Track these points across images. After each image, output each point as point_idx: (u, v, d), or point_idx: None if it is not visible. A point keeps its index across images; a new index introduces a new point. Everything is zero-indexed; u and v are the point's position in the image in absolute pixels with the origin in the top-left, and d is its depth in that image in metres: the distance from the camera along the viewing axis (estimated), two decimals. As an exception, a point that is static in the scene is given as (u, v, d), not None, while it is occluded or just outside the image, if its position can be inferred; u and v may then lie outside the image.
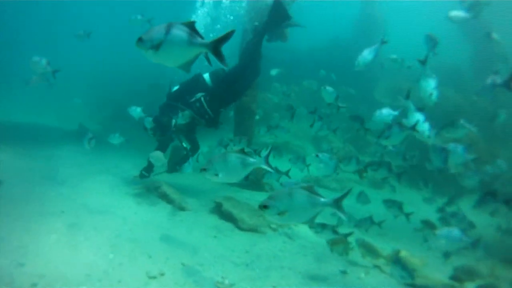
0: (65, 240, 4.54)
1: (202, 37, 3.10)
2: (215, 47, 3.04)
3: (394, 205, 6.19)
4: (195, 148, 8.35)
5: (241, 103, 8.60)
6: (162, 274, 4.09)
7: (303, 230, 6.35)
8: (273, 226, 6.16)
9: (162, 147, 7.93)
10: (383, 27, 16.65)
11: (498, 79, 5.32)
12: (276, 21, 8.18)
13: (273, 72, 9.97)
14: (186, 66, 3.19)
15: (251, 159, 3.61)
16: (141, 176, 7.74)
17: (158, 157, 6.83)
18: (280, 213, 3.16)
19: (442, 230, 4.84)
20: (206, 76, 8.06)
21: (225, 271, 4.46)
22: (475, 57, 14.37)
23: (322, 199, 3.26)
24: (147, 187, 7.09)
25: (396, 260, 4.55)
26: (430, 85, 5.60)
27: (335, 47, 15.32)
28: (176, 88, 8.13)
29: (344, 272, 4.99)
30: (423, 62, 5.60)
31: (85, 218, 5.35)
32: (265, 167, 3.66)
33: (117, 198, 6.60)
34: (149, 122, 7.46)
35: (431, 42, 5.96)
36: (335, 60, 13.31)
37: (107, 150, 9.44)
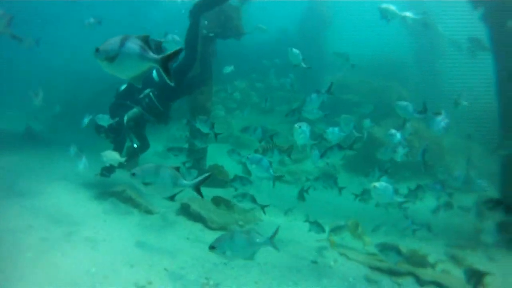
0: (42, 258, 4.57)
1: (154, 52, 3.22)
2: (164, 63, 3.18)
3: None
4: (144, 145, 8.47)
5: (196, 101, 8.78)
6: (150, 283, 4.27)
7: (268, 224, 6.76)
8: (241, 223, 6.50)
9: (118, 148, 7.95)
10: (329, 23, 17.53)
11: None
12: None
13: (227, 69, 10.18)
14: (137, 79, 3.32)
15: (258, 240, 3.95)
16: (102, 175, 7.69)
17: (112, 157, 6.83)
18: (225, 252, 3.83)
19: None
20: (154, 72, 8.19)
21: (207, 272, 4.72)
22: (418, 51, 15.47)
23: (258, 240, 3.92)
24: (110, 192, 7.09)
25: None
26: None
27: (281, 41, 15.80)
28: (124, 86, 8.19)
29: (314, 262, 5.44)
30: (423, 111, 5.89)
31: (55, 231, 5.34)
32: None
33: (82, 206, 6.55)
34: (104, 120, 7.38)
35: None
36: (282, 53, 13.81)
37: (57, 152, 9.27)
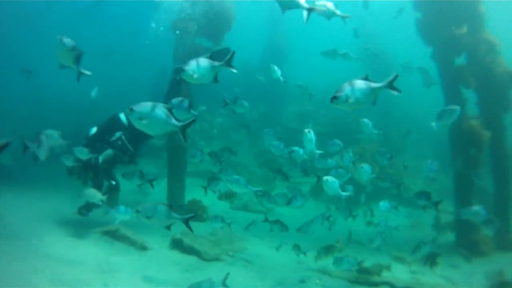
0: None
1: (176, 119, 4.16)
2: (183, 129, 4.15)
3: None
4: (116, 186, 9.06)
5: (173, 141, 9.52)
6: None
7: (253, 251, 7.56)
8: (230, 253, 7.28)
9: (97, 187, 8.50)
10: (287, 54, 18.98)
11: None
12: None
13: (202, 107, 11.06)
14: (161, 137, 4.44)
15: None
16: (80, 213, 8.19)
17: (93, 195, 7.17)
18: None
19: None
20: (122, 116, 8.98)
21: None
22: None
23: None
24: (102, 231, 7.64)
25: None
26: None
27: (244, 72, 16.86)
28: (94, 130, 8.88)
29: (302, 281, 6.29)
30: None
31: (62, 271, 5.89)
32: None
33: (79, 245, 7.09)
34: (84, 153, 7.86)
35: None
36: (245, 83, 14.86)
37: (32, 189, 9.84)
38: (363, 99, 3.53)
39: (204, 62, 4.40)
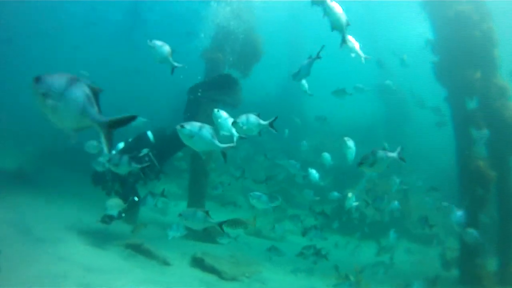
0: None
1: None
2: (224, 150, 4.64)
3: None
4: (138, 202, 9.61)
5: (196, 164, 10.20)
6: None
7: (267, 275, 8.14)
8: (247, 275, 7.87)
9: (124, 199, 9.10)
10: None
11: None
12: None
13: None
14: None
15: None
16: (103, 221, 8.66)
17: (115, 205, 7.66)
18: None
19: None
20: (150, 134, 9.66)
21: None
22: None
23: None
24: (127, 243, 8.26)
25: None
26: None
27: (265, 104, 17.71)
28: (121, 145, 9.53)
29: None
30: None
31: (90, 278, 6.43)
32: None
33: (103, 255, 7.70)
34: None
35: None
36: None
37: (53, 195, 10.47)
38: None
39: (253, 118, 5.00)
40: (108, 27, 26.27)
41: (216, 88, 10.81)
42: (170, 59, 6.05)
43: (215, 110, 6.17)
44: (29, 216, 8.87)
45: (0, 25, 24.79)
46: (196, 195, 10.26)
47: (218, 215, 9.18)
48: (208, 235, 9.77)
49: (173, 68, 6.16)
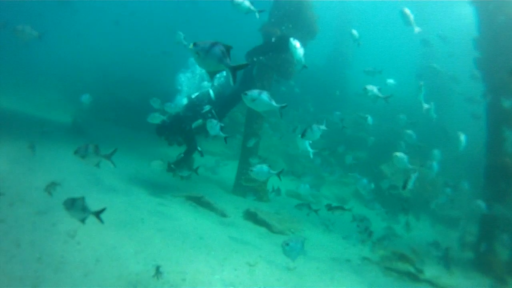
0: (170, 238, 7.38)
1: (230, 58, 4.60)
2: (234, 70, 4.87)
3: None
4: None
5: (250, 129, 11.73)
6: (255, 264, 7.12)
7: (308, 233, 9.73)
8: (292, 230, 9.46)
9: (190, 151, 10.59)
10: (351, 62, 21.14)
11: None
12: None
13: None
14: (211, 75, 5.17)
15: None
16: (169, 169, 10.12)
17: (157, 165, 9.45)
18: None
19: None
20: (211, 91, 11.12)
21: (284, 259, 7.59)
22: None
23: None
24: (186, 196, 9.88)
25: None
26: None
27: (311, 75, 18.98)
28: (185, 100, 10.88)
29: (348, 260, 8.42)
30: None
31: (164, 223, 7.94)
32: None
33: (168, 205, 9.15)
34: (170, 107, 10.16)
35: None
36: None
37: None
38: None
39: (265, 96, 5.69)
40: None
41: (272, 51, 12.08)
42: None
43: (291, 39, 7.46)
44: (92, 168, 10.14)
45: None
46: (247, 156, 11.74)
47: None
48: (255, 192, 11.44)
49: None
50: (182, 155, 10.34)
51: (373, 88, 8.16)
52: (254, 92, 5.70)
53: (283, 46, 11.39)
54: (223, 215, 9.46)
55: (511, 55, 11.07)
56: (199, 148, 10.61)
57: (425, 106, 9.72)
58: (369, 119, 11.12)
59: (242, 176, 11.55)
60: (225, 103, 11.47)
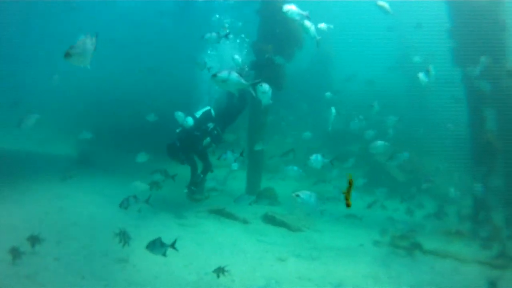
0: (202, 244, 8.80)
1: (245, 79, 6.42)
2: (252, 86, 6.56)
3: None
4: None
5: (254, 120, 13.20)
6: (286, 258, 8.58)
7: (321, 227, 11.21)
8: (307, 226, 10.94)
9: (207, 168, 11.98)
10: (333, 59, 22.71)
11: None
12: None
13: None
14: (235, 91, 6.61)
15: None
16: (190, 195, 11.74)
17: (138, 186, 9.74)
18: None
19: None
20: (212, 111, 12.54)
21: (308, 251, 9.06)
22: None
23: None
24: (209, 210, 11.29)
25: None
26: None
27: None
28: (191, 121, 11.74)
29: (361, 245, 9.92)
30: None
31: (200, 237, 9.43)
32: None
33: (197, 220, 10.65)
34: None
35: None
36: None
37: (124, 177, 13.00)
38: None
39: (234, 75, 6.22)
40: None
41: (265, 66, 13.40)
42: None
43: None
44: (111, 196, 10.90)
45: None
46: (255, 165, 13.22)
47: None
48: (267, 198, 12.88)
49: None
50: (202, 176, 11.61)
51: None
52: (224, 73, 6.15)
53: (274, 61, 12.90)
54: (246, 222, 10.89)
55: (481, 39, 12.59)
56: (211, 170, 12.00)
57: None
58: (376, 106, 11.80)
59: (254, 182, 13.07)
60: (226, 119, 12.87)
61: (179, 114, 11.34)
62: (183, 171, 12.05)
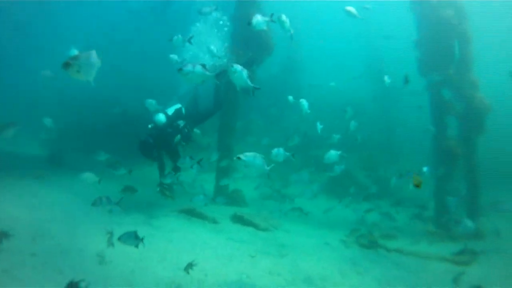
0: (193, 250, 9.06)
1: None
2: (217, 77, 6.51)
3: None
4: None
5: (223, 122, 13.60)
6: (255, 255, 8.92)
7: (287, 227, 11.62)
8: (274, 226, 11.32)
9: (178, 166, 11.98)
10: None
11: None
12: None
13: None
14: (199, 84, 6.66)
15: None
16: (162, 192, 11.80)
17: (88, 178, 9.49)
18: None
19: None
20: (183, 109, 12.84)
21: (276, 249, 9.42)
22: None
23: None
24: (180, 210, 11.45)
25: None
26: None
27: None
28: (163, 118, 12.03)
29: (327, 244, 10.37)
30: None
31: (172, 235, 9.61)
32: None
33: (167, 220, 10.80)
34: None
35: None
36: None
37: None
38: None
39: (198, 68, 6.38)
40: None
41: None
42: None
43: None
44: (82, 195, 10.73)
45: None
46: (223, 170, 13.53)
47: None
48: (234, 200, 13.26)
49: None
50: (173, 173, 11.76)
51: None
52: (189, 66, 6.31)
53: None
54: (215, 222, 11.14)
55: (446, 50, 13.31)
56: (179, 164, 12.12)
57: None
58: (349, 110, 12.37)
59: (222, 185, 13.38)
60: (196, 118, 13.18)
61: (150, 102, 11.58)
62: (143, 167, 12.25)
